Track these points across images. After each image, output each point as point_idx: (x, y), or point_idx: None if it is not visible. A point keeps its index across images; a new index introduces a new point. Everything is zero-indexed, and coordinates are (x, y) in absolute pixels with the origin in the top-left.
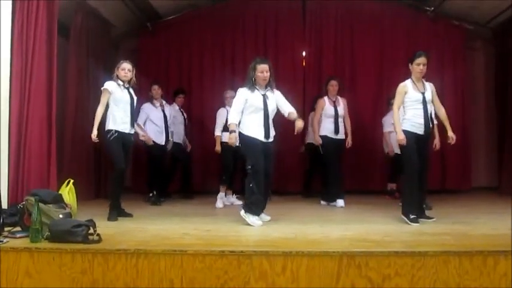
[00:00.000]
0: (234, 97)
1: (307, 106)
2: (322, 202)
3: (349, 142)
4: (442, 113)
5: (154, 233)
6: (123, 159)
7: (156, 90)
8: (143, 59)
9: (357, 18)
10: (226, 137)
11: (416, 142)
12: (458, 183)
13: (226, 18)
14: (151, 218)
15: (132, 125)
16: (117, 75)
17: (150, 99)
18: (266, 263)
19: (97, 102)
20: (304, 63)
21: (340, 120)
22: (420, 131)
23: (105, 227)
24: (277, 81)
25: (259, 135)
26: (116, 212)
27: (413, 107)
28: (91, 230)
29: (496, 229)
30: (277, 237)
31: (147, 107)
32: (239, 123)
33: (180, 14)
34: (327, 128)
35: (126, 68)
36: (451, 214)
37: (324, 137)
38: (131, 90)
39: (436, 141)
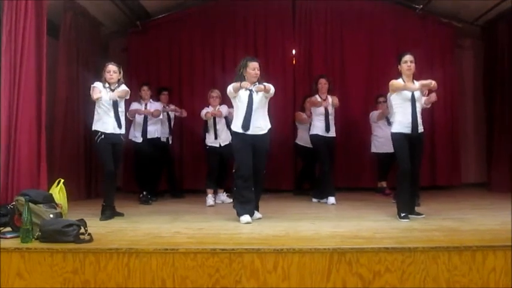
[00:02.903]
0: (219, 97)
1: (297, 105)
2: (314, 199)
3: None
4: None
5: (145, 232)
6: (111, 161)
7: (145, 91)
8: (133, 58)
9: (346, 17)
10: (211, 140)
11: (407, 141)
12: (448, 179)
13: (215, 18)
14: (142, 217)
15: (119, 126)
16: (104, 78)
17: (139, 99)
18: (257, 260)
19: (87, 102)
20: (294, 62)
21: (331, 118)
22: (409, 130)
23: (97, 227)
24: (268, 80)
25: (238, 127)
26: (109, 212)
27: (401, 105)
28: (82, 230)
29: (484, 225)
30: (269, 235)
31: (135, 105)
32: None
33: (170, 13)
34: (317, 127)
35: (111, 70)
36: (440, 210)
37: (315, 135)
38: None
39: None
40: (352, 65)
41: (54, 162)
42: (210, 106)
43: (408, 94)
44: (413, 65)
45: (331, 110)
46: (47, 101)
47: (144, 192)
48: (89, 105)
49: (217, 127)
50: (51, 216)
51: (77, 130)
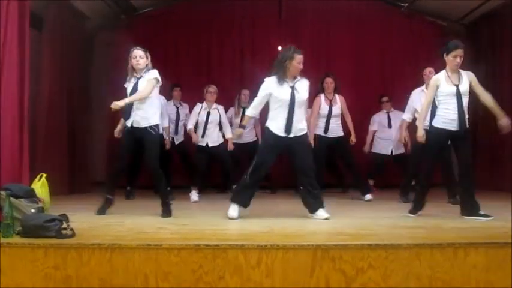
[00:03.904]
0: (216, 93)
1: None
2: None
3: (352, 140)
4: (486, 99)
5: (129, 227)
6: (122, 155)
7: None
8: (119, 53)
9: (332, 15)
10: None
11: (451, 139)
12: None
13: (202, 15)
14: (126, 213)
15: (127, 118)
16: (131, 66)
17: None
18: (241, 256)
19: (71, 96)
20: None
21: (334, 120)
22: (453, 127)
23: (79, 222)
24: (253, 78)
25: (276, 128)
26: (106, 206)
27: (445, 101)
28: (64, 225)
29: (466, 222)
30: (254, 231)
31: None
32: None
33: (155, 8)
34: (317, 127)
35: (137, 56)
36: (424, 207)
37: (314, 135)
38: (142, 79)
39: (503, 120)
40: (338, 63)
41: (37, 157)
42: (204, 102)
43: (452, 89)
44: (461, 60)
45: (336, 111)
46: (30, 94)
47: (128, 187)
48: (72, 100)
49: (208, 126)
50: (33, 211)
51: (60, 124)
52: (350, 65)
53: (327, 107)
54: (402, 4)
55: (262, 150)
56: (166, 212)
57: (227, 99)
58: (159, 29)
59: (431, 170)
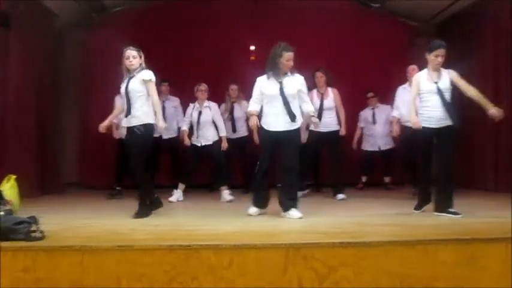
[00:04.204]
0: (206, 91)
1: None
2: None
3: (342, 131)
4: (471, 92)
5: (101, 229)
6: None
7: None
8: (89, 52)
9: (306, 14)
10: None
11: (434, 136)
12: (403, 174)
13: (175, 14)
14: (98, 214)
15: (127, 116)
16: (125, 66)
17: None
18: (214, 256)
19: (40, 95)
20: (254, 59)
21: (326, 112)
22: (434, 124)
23: (50, 224)
24: (229, 77)
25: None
26: (147, 208)
27: (426, 99)
28: (34, 227)
29: (436, 219)
30: (227, 231)
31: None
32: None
33: (125, 7)
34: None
35: (130, 56)
36: (394, 205)
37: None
38: (134, 78)
39: (492, 111)
40: (311, 62)
41: (5, 158)
42: (197, 101)
43: (432, 86)
44: (443, 59)
45: (329, 104)
46: None
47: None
48: (41, 99)
49: (200, 126)
50: (1, 213)
51: (29, 125)
52: (323, 63)
53: (319, 101)
54: (374, 4)
55: (261, 148)
56: (139, 213)
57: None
58: (132, 28)
59: (427, 166)
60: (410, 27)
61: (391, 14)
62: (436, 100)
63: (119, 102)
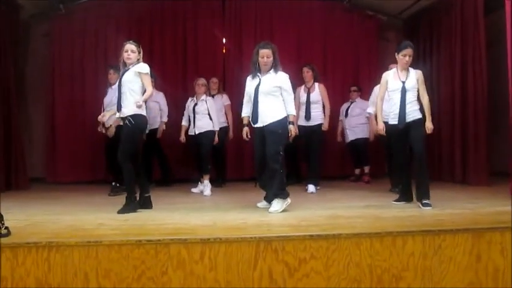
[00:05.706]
0: (204, 85)
1: (227, 91)
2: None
3: (325, 125)
4: (424, 102)
5: (67, 224)
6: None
7: (111, 74)
8: (55, 44)
9: (275, 10)
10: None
11: (403, 132)
12: (377, 168)
13: (144, 6)
14: (64, 209)
15: (119, 109)
16: (122, 59)
17: (109, 85)
18: (184, 250)
19: (4, 88)
20: (224, 51)
21: (314, 106)
22: (396, 121)
23: (15, 220)
24: (196, 68)
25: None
26: (134, 204)
27: (392, 96)
28: None
29: (404, 211)
30: (196, 225)
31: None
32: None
33: None
34: (299, 116)
35: (129, 50)
36: (364, 197)
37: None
38: (128, 71)
39: (427, 124)
40: (282, 58)
41: None
42: (195, 95)
43: (398, 85)
44: (411, 59)
45: (315, 98)
46: None
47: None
48: (5, 92)
49: (196, 116)
50: None
51: None
52: (292, 58)
53: (305, 95)
54: None
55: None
56: (124, 209)
57: (171, 90)
58: (100, 21)
59: (400, 160)
60: (379, 21)
61: (360, 8)
62: (399, 98)
63: (109, 95)
